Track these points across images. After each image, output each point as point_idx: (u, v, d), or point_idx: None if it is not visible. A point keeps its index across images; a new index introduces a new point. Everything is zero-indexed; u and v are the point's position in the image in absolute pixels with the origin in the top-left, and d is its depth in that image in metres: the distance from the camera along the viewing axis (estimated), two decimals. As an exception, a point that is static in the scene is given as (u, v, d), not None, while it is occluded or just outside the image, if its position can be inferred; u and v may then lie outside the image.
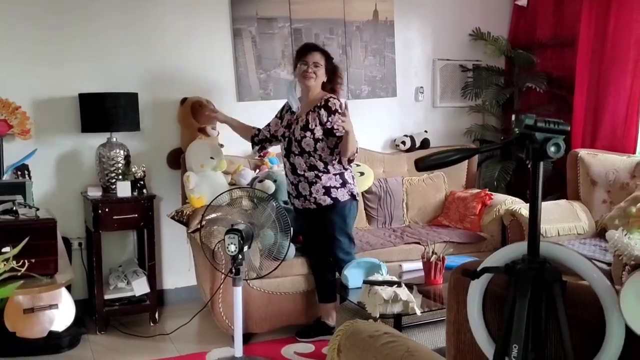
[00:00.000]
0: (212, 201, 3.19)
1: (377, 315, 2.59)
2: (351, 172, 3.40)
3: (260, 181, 3.69)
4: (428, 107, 4.85)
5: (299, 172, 3.31)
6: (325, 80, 3.35)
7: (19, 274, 1.76)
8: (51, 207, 3.55)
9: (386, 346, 1.71)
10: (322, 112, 3.25)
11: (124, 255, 4.06)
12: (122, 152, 3.77)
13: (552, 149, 1.08)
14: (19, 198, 2.45)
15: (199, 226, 3.29)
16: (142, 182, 3.76)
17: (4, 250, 1.80)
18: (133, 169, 3.76)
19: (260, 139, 3.54)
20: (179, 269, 4.12)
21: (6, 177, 3.53)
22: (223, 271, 3.24)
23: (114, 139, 3.78)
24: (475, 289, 1.20)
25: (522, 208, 3.85)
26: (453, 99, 4.89)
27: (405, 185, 4.36)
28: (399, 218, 4.29)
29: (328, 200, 3.29)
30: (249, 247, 3.01)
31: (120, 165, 3.76)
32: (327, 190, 3.28)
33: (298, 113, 3.35)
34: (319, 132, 3.24)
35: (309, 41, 4.33)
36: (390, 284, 2.72)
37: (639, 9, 3.95)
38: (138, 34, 3.96)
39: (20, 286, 1.77)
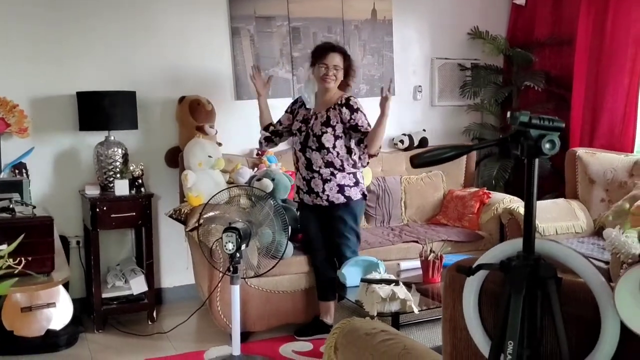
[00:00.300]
0: (209, 199, 3.19)
1: (375, 314, 2.59)
2: (362, 171, 3.45)
3: (259, 180, 3.69)
4: (426, 105, 4.85)
5: (314, 167, 3.31)
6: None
7: (15, 271, 1.75)
8: (49, 205, 3.56)
9: (383, 344, 1.72)
10: (344, 110, 3.29)
11: (121, 253, 4.05)
12: (120, 150, 3.77)
13: (547, 145, 1.07)
14: (15, 196, 2.45)
15: (196, 224, 3.28)
16: (140, 181, 3.76)
17: (0, 248, 1.79)
18: (131, 168, 3.75)
19: (274, 130, 3.55)
20: (176, 267, 4.12)
21: (3, 175, 3.53)
22: (221, 269, 3.24)
23: (112, 138, 3.78)
24: (471, 286, 1.20)
25: (520, 207, 3.85)
26: (451, 98, 4.89)
27: (404, 183, 4.36)
28: (397, 217, 4.29)
29: (341, 199, 3.31)
30: (247, 246, 3.01)
31: (118, 163, 3.76)
32: (341, 189, 3.31)
33: (315, 109, 3.35)
34: (339, 130, 3.28)
35: (307, 40, 4.35)
36: (388, 282, 2.72)
37: (637, 8, 3.95)
38: (136, 33, 3.96)
39: (17, 284, 1.77)
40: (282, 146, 4.37)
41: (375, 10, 4.58)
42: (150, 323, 3.76)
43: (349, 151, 3.32)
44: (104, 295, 3.67)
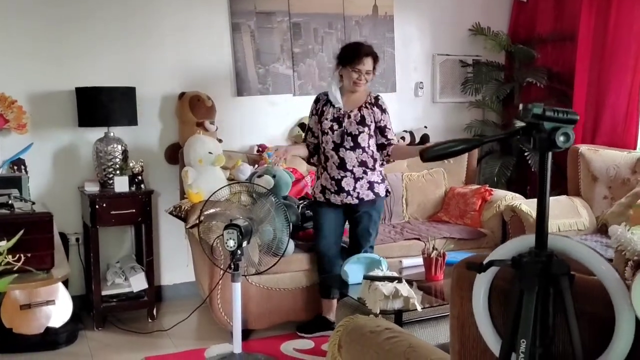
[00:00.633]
0: (210, 196, 3.16)
1: (378, 311, 2.57)
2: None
3: (259, 176, 3.66)
4: (428, 102, 4.82)
5: (347, 167, 3.25)
6: None
7: (15, 268, 1.73)
8: (48, 202, 3.53)
9: (388, 342, 1.69)
10: (376, 109, 3.30)
11: (121, 251, 4.03)
12: (119, 146, 3.74)
13: (561, 138, 1.05)
14: (14, 192, 2.42)
15: (197, 221, 3.26)
16: (139, 177, 3.73)
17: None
18: (131, 164, 3.73)
19: (315, 145, 3.38)
20: (177, 264, 4.09)
21: (2, 172, 3.50)
22: (222, 267, 3.21)
23: (112, 134, 3.75)
24: (481, 283, 1.17)
25: (523, 204, 3.83)
26: (453, 95, 4.86)
27: (405, 181, 4.34)
28: (399, 214, 4.27)
29: (371, 195, 3.30)
30: (248, 243, 2.98)
31: (117, 160, 3.73)
32: (371, 186, 3.30)
33: (344, 108, 3.29)
34: (372, 129, 3.29)
35: (308, 36, 4.33)
36: (390, 279, 2.69)
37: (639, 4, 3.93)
38: (136, 28, 3.92)
39: (16, 281, 1.74)
40: (282, 143, 4.36)
41: (376, 6, 4.55)
42: (150, 321, 3.73)
43: (378, 149, 3.34)
44: (103, 293, 3.65)
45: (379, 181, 3.34)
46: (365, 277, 2.77)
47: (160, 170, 4.05)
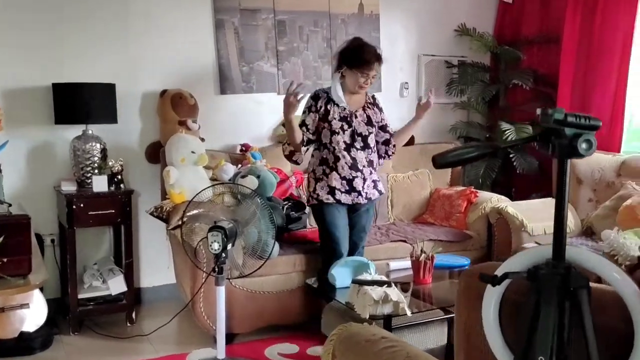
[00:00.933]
0: (194, 197, 3.07)
1: (367, 316, 2.51)
2: None
3: (243, 177, 3.58)
4: (413, 103, 4.75)
5: (359, 167, 3.21)
6: None
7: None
8: (23, 201, 3.41)
9: (385, 351, 1.62)
10: (376, 109, 3.33)
11: (99, 252, 3.91)
12: (98, 145, 3.63)
13: (584, 145, 0.99)
14: (-11, 192, 2.30)
15: (179, 223, 3.16)
16: (119, 177, 3.61)
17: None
18: (110, 163, 3.61)
19: (309, 140, 3.24)
20: (157, 266, 3.98)
21: (-25, 170, 3.36)
22: (205, 270, 3.12)
23: (90, 132, 3.63)
24: (492, 295, 1.12)
25: (509, 206, 3.81)
26: (438, 95, 4.80)
27: (390, 182, 4.29)
28: (384, 215, 4.22)
29: (376, 194, 3.32)
30: (233, 245, 2.90)
31: (96, 158, 3.61)
32: (375, 184, 3.31)
33: (349, 107, 3.22)
34: (376, 129, 3.30)
35: (293, 34, 4.26)
36: (380, 283, 2.63)
37: (625, 8, 3.93)
38: (116, 23, 3.81)
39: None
40: (265, 142, 4.28)
41: (362, 4, 4.50)
42: (129, 325, 3.62)
43: (384, 144, 3.37)
44: (80, 296, 3.52)
45: (379, 179, 3.37)
46: (354, 281, 2.71)
47: (141, 169, 3.93)
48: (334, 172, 3.20)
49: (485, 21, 4.89)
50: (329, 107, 3.20)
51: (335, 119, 3.19)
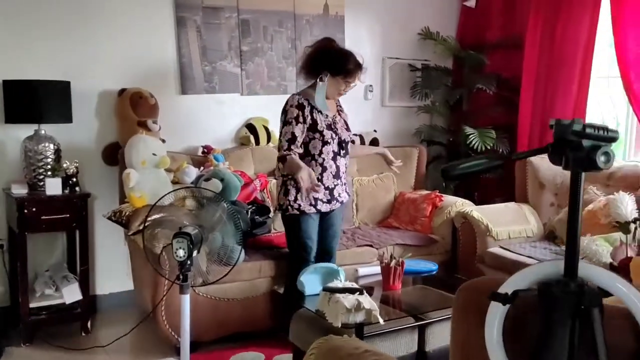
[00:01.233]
0: (158, 200, 2.93)
1: (339, 325, 2.44)
2: None
3: (207, 180, 3.46)
4: (377, 106, 4.76)
5: (340, 174, 3.15)
6: None
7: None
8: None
9: (369, 366, 1.57)
10: (344, 112, 3.28)
11: (51, 258, 3.72)
12: (51, 145, 3.45)
13: (602, 158, 0.95)
14: None
15: (140, 228, 3.02)
16: (74, 179, 3.45)
17: None
18: (64, 165, 3.44)
19: (300, 153, 3.05)
20: (114, 273, 3.82)
21: None
22: (168, 277, 2.99)
23: (43, 131, 3.45)
24: (496, 312, 1.06)
25: (474, 210, 3.82)
26: (402, 99, 4.82)
27: (355, 185, 4.24)
28: (349, 219, 4.16)
29: (347, 197, 3.27)
30: (198, 252, 2.78)
31: (49, 160, 3.43)
32: (346, 187, 3.25)
33: (331, 115, 3.14)
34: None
35: (257, 33, 4.18)
36: (352, 291, 2.57)
37: (587, 12, 3.99)
38: (71, 17, 3.63)
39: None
40: (228, 144, 4.17)
41: (327, 5, 4.43)
42: (84, 335, 3.45)
43: None
44: (31, 305, 3.33)
45: (347, 182, 3.32)
46: (325, 289, 2.63)
47: (97, 171, 3.76)
48: (320, 182, 3.08)
49: (448, 25, 4.90)
50: (314, 115, 3.06)
51: (324, 128, 3.08)
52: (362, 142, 4.46)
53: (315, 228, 3.16)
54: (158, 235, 3.01)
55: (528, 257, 3.44)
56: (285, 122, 3.03)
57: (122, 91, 3.72)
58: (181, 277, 2.74)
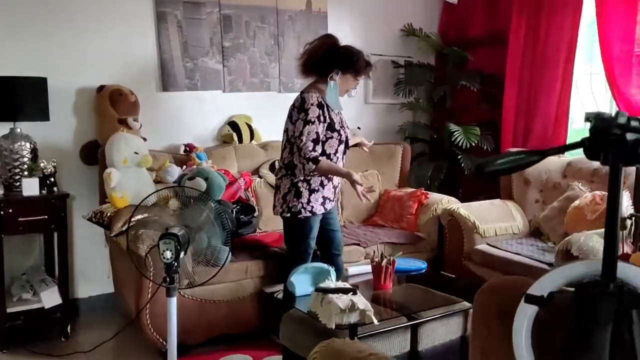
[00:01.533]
0: (142, 201, 2.83)
1: (333, 326, 2.39)
2: None
3: (190, 179, 3.36)
4: (360, 103, 4.71)
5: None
6: None
7: None
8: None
9: (376, 370, 1.52)
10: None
11: (28, 261, 3.58)
12: (28, 144, 3.33)
13: (648, 152, 0.90)
14: None
15: (123, 229, 2.92)
16: (52, 179, 3.33)
17: None
18: (41, 164, 3.32)
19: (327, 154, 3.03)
20: (94, 276, 3.71)
21: None
22: (152, 279, 2.90)
23: (19, 130, 3.33)
24: (525, 316, 1.02)
25: (461, 208, 3.80)
26: (385, 96, 4.78)
27: (341, 183, 4.18)
28: (334, 218, 4.11)
29: (338, 195, 3.27)
30: (185, 254, 2.69)
31: (26, 159, 3.31)
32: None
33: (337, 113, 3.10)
34: None
35: (239, 29, 4.10)
36: (345, 291, 2.52)
37: (570, 9, 4.00)
38: (48, 12, 3.50)
39: None
40: (210, 142, 4.08)
41: (310, 1, 4.37)
42: (63, 339, 3.33)
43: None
44: (8, 310, 3.21)
45: None
46: (318, 289, 2.57)
47: (76, 171, 3.64)
48: (330, 182, 3.08)
49: (431, 21, 4.89)
50: (330, 114, 3.01)
51: (341, 127, 3.07)
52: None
53: (316, 228, 3.12)
54: (142, 236, 2.93)
55: (516, 254, 3.43)
56: (307, 122, 2.91)
57: (101, 88, 3.60)
58: (168, 279, 2.65)
